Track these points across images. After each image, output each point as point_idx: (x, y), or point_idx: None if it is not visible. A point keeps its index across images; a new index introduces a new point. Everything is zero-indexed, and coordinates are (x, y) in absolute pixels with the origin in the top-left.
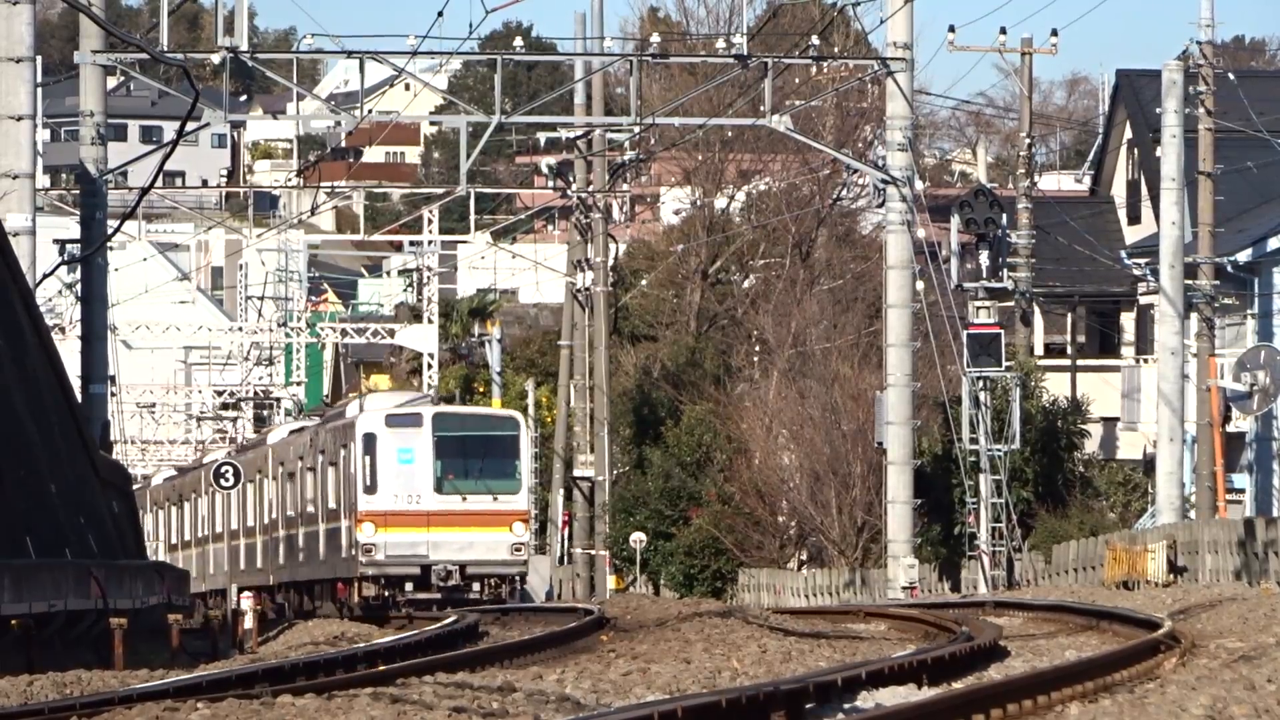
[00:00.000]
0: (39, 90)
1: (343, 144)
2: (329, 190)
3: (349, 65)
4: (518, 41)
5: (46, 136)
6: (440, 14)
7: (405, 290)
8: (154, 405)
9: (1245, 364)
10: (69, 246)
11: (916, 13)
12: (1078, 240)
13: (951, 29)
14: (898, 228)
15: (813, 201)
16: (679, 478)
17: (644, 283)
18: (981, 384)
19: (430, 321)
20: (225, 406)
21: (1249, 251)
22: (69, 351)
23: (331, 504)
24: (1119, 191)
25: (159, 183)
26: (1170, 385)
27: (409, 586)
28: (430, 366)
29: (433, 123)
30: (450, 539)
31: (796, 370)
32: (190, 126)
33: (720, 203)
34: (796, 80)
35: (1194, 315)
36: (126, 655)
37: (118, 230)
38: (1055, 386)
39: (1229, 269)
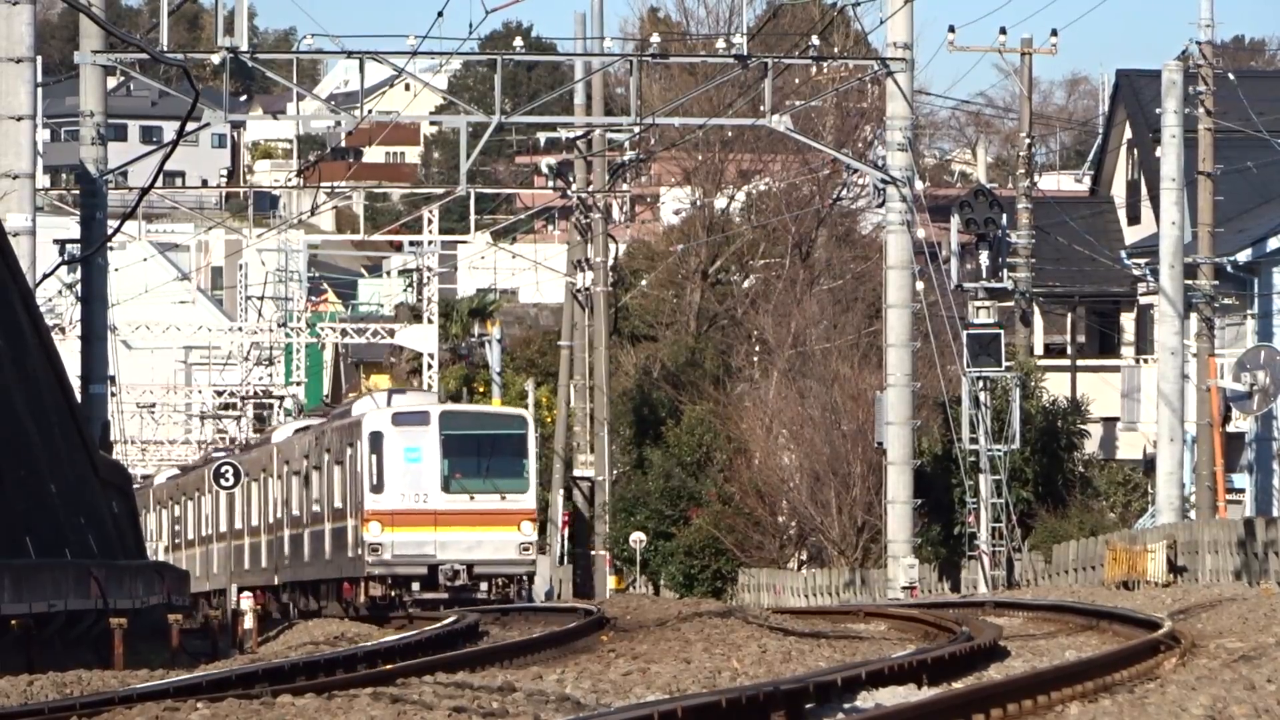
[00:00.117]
0: (39, 90)
1: (343, 144)
2: (329, 190)
3: (349, 65)
4: (518, 41)
5: (46, 136)
6: (440, 14)
7: (405, 290)
8: (154, 405)
9: (1245, 364)
10: (69, 246)
11: (916, 13)
12: (1078, 240)
13: (951, 29)
14: (898, 228)
15: (813, 201)
16: (679, 478)
17: (644, 283)
18: (981, 384)
19: (430, 321)
20: (225, 407)
21: (1249, 251)
22: (69, 351)
23: (338, 503)
24: (1119, 191)
25: (159, 183)
26: (1170, 385)
27: (416, 586)
28: (430, 366)
29: (433, 123)
30: (458, 538)
31: (796, 370)
32: (190, 126)
33: (720, 203)
34: (796, 80)
35: (1194, 315)
36: (126, 655)
37: (118, 230)
38: (1055, 386)
39: (1229, 269)
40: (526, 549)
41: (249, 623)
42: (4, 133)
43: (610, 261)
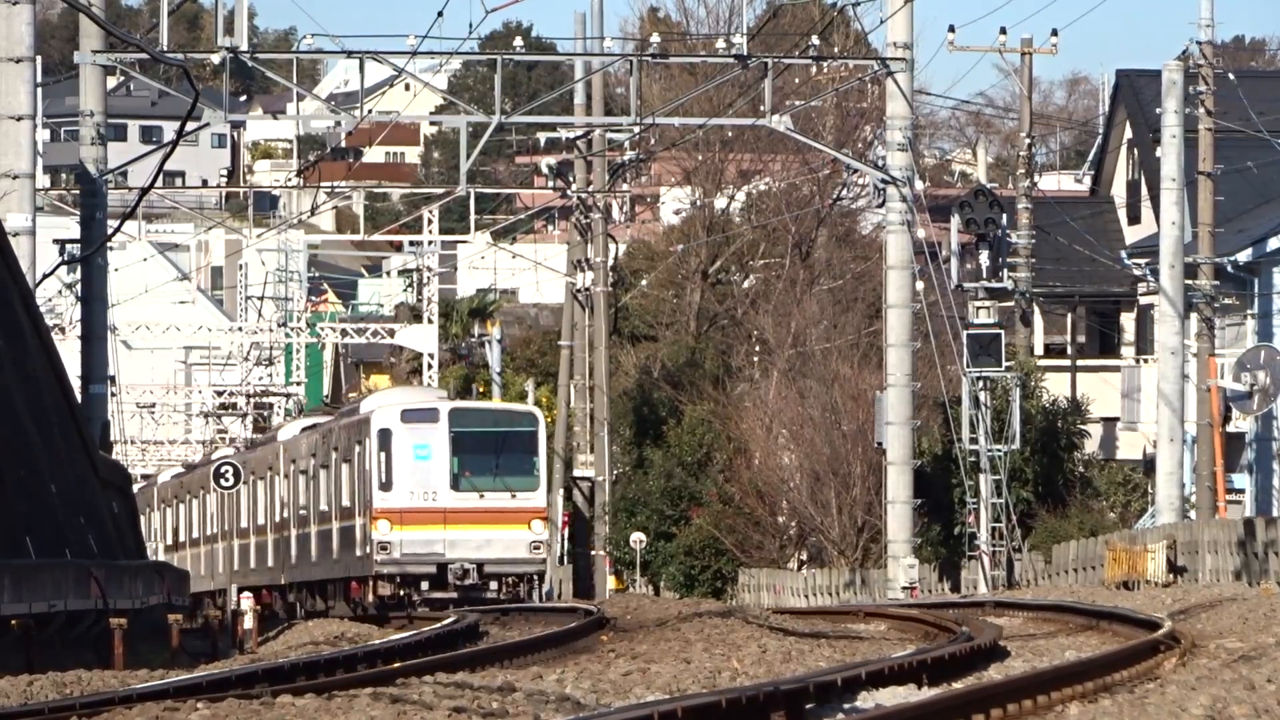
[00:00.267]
0: (39, 90)
1: (343, 144)
2: (329, 190)
3: (349, 65)
4: (518, 41)
5: (46, 136)
6: (440, 14)
7: (405, 290)
8: (154, 405)
9: (1245, 364)
10: (69, 246)
11: (916, 13)
12: (1078, 240)
13: (951, 29)
14: (898, 228)
15: (813, 201)
16: (680, 477)
17: (644, 283)
18: (981, 384)
19: (430, 321)
20: (225, 407)
21: (1249, 251)
22: (69, 351)
23: (345, 501)
24: (1119, 191)
25: (159, 183)
26: (1170, 385)
27: (425, 585)
28: (430, 366)
29: (433, 123)
30: (467, 537)
31: (796, 370)
32: (190, 126)
33: (720, 203)
34: (796, 80)
35: (1194, 315)
36: (126, 655)
37: (118, 230)
38: (1055, 386)
39: (1229, 269)
40: (537, 547)
41: (249, 623)
42: (4, 133)
43: (610, 261)
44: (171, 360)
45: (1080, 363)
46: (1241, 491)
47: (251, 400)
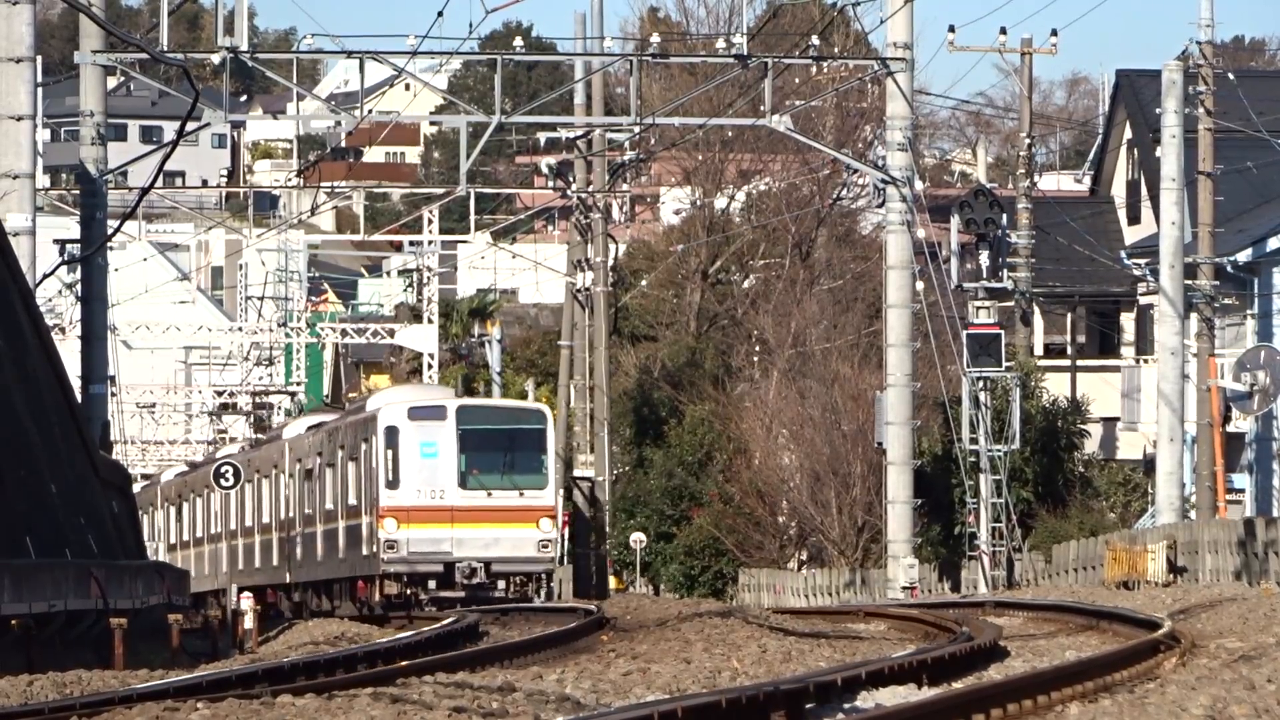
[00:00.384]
0: (39, 90)
1: (343, 144)
2: (329, 190)
3: (349, 65)
4: (518, 41)
5: (46, 136)
6: (440, 14)
7: (405, 290)
8: (154, 405)
9: (1245, 364)
10: (69, 246)
11: (916, 13)
12: (1078, 240)
13: (951, 29)
14: (898, 228)
15: (813, 201)
16: (680, 477)
17: (644, 283)
18: (981, 384)
19: (430, 321)
20: (224, 407)
21: (1249, 251)
22: (69, 351)
23: (352, 500)
24: (1119, 191)
25: (159, 183)
26: (1170, 385)
27: (432, 584)
28: (430, 366)
29: (433, 123)
30: (475, 535)
31: (796, 370)
32: (190, 126)
33: (720, 203)
34: (796, 80)
35: (1194, 315)
36: (126, 655)
37: (118, 230)
38: (1055, 386)
39: (1229, 269)
40: (546, 546)
41: (249, 623)
42: (4, 133)
43: (610, 261)
44: (171, 360)
45: (1080, 363)
46: (1241, 491)
47: (254, 399)
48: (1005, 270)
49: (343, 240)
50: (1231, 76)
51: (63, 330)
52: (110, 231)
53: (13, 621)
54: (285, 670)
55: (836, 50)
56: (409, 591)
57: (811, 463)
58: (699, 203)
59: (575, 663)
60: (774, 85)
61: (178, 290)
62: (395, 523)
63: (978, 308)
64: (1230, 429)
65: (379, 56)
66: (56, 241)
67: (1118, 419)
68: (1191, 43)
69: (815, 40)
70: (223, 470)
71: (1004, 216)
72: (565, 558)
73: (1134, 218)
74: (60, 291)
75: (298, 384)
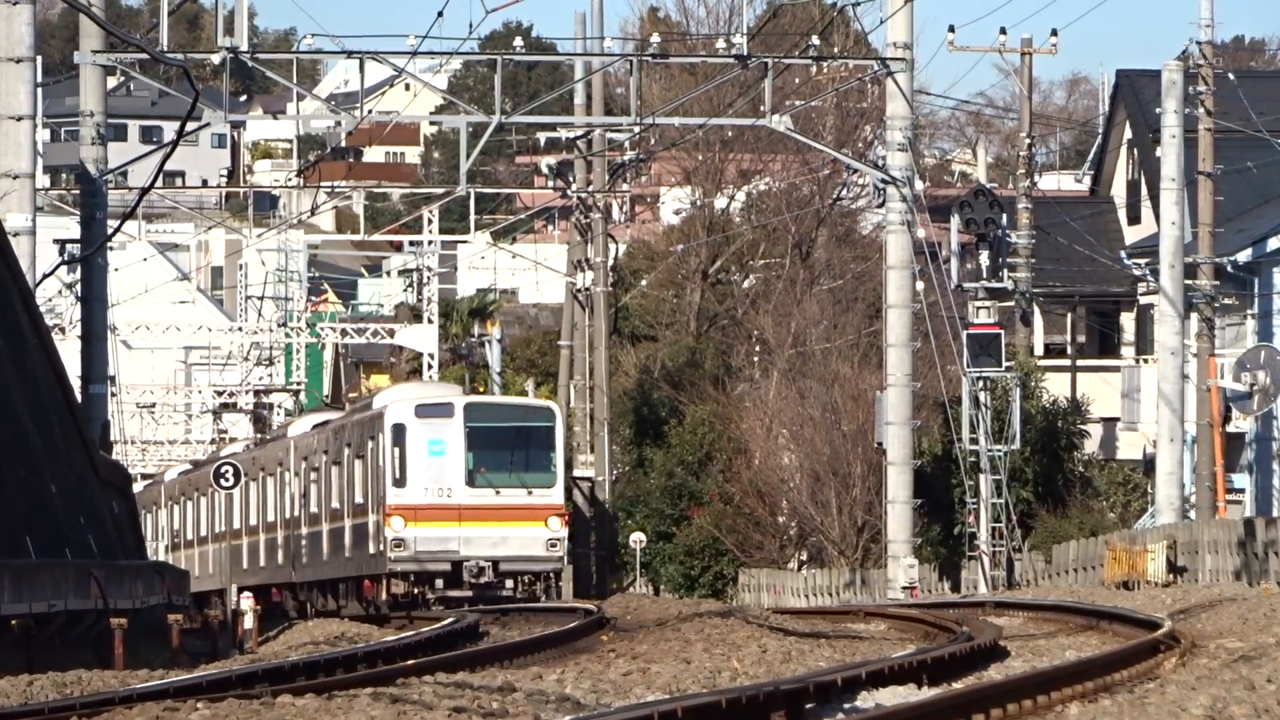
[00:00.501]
0: (39, 90)
1: (343, 144)
2: (329, 190)
3: (349, 65)
4: (518, 41)
5: (46, 136)
6: (440, 14)
7: (405, 290)
8: (154, 405)
9: (1245, 364)
10: (69, 246)
11: (916, 13)
12: (1078, 240)
13: (951, 29)
14: (898, 228)
15: (813, 201)
16: (680, 477)
17: (644, 283)
18: (981, 384)
19: (430, 321)
20: (224, 407)
21: (1249, 251)
22: (69, 351)
23: (358, 498)
24: (1119, 191)
25: (159, 183)
26: (1170, 385)
27: (440, 583)
28: (430, 366)
29: (433, 123)
30: (483, 534)
31: (796, 370)
32: (190, 126)
33: (720, 203)
34: (796, 80)
35: (1194, 315)
36: (126, 655)
37: (118, 230)
38: (1055, 386)
39: (1229, 269)
40: (554, 545)
41: (249, 623)
42: (4, 133)
43: (610, 261)
44: (171, 360)
45: (1080, 363)
46: (1241, 491)
47: (256, 397)
48: (1005, 270)
49: (343, 240)
50: (1231, 76)
51: (63, 330)
52: (110, 231)
53: (13, 621)
54: (285, 670)
55: (836, 50)
56: (416, 591)
57: (811, 463)
58: (699, 203)
59: (575, 663)
60: (774, 85)
61: (178, 290)
62: (402, 521)
63: (978, 308)
64: (1230, 429)
65: (379, 56)
66: (56, 241)
67: (1118, 419)
68: (1191, 43)
69: (815, 40)
70: (223, 470)
71: (1004, 216)
72: (565, 557)
73: (1134, 218)
74: (60, 291)
75: (298, 384)
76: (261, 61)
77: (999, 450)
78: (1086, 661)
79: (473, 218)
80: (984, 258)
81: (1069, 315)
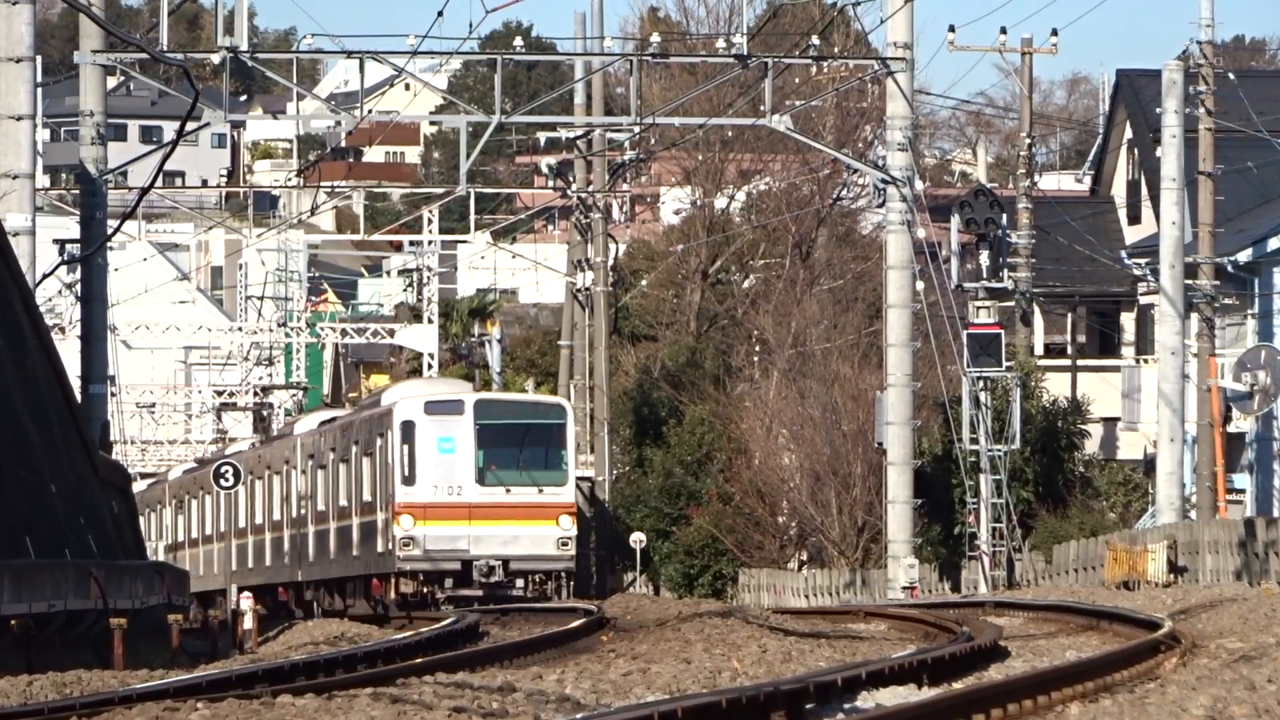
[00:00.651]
0: (39, 90)
1: (343, 144)
2: (329, 190)
3: (349, 65)
4: (518, 41)
5: (46, 136)
6: (440, 14)
7: (405, 290)
8: (154, 405)
9: (1245, 364)
10: (69, 246)
11: (916, 13)
12: (1078, 240)
13: (951, 29)
14: (898, 228)
15: (813, 201)
16: (680, 477)
17: (644, 283)
18: (981, 384)
19: (430, 321)
20: (224, 407)
21: (1249, 251)
22: (69, 351)
23: (366, 496)
24: (1119, 191)
25: (159, 183)
26: (1170, 385)
27: (449, 583)
28: (430, 366)
29: (433, 123)
30: (493, 533)
31: (796, 370)
32: (190, 126)
33: (720, 203)
34: (796, 80)
35: (1194, 315)
36: (126, 655)
37: (118, 230)
38: (1055, 386)
39: (1229, 269)
40: (565, 544)
41: (249, 623)
42: (4, 133)
43: (610, 261)
44: (171, 360)
45: (1080, 363)
46: (1242, 491)
47: (257, 395)
48: (1005, 270)
49: (343, 240)
50: (1232, 76)
51: (63, 330)
52: (110, 231)
53: (12, 621)
54: (285, 670)
55: (836, 50)
56: (425, 590)
57: (811, 463)
58: (699, 203)
59: (575, 663)
60: (774, 85)
61: (178, 290)
62: (411, 519)
63: (978, 308)
64: (1230, 429)
65: (379, 56)
66: (56, 241)
67: (1118, 419)
68: (1191, 43)
69: (815, 40)
70: (222, 470)
71: (1004, 216)
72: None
73: (1134, 218)
74: (60, 291)
75: (304, 385)
76: (261, 61)
77: (999, 450)
78: (1087, 662)
79: (473, 218)
80: (984, 258)
81: (1069, 315)
